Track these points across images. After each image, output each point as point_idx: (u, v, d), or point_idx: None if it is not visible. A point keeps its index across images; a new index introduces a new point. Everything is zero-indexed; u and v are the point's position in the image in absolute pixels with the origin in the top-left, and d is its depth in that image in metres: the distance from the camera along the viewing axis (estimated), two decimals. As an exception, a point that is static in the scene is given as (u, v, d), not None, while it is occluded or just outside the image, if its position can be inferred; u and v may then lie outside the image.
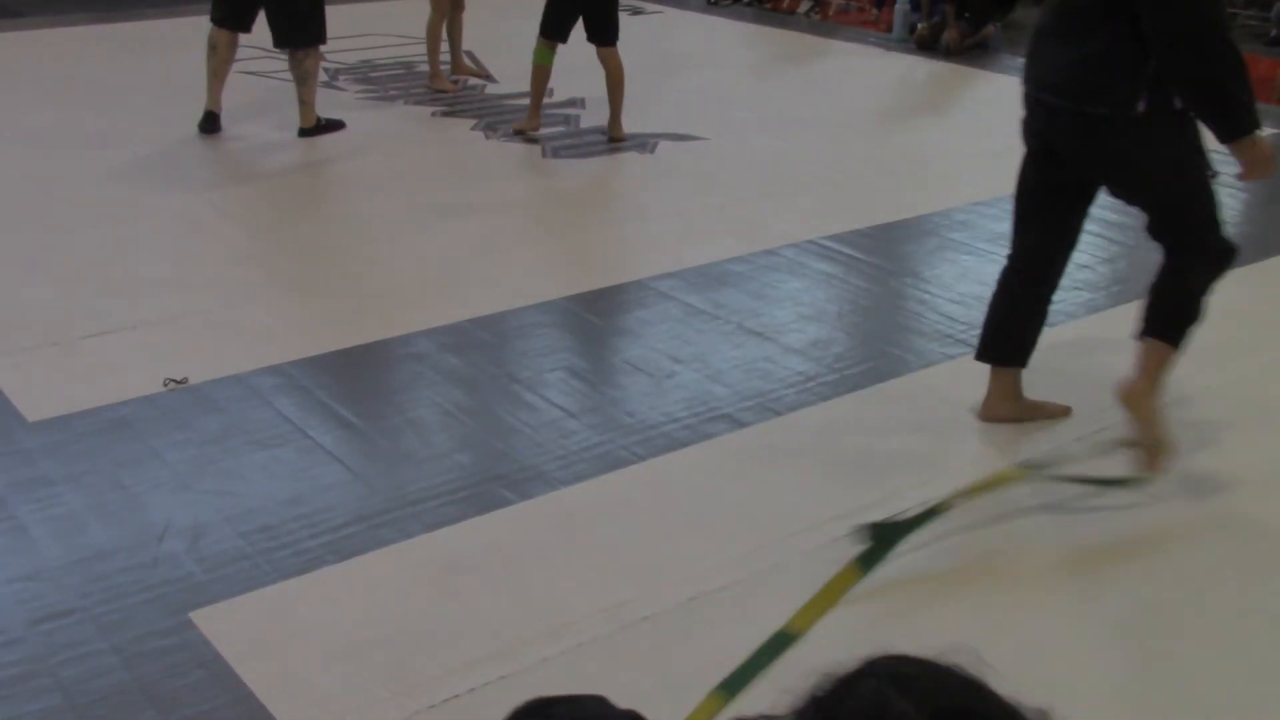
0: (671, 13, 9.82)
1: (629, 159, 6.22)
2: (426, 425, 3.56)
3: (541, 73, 6.26)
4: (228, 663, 2.58)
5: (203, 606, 2.75)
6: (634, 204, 5.60)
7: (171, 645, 2.63)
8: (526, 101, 6.51)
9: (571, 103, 7.03)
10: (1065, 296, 4.54)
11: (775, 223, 5.28)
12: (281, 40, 6.18)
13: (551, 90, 7.15)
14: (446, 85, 7.33)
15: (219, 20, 6.16)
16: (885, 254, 5.01)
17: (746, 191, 5.74)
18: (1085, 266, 4.85)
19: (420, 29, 7.54)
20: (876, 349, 4.12)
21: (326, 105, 6.52)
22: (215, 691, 2.50)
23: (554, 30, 6.12)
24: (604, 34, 6.13)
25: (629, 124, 6.50)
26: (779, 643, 2.50)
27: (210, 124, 6.24)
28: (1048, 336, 4.22)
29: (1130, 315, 4.44)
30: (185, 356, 3.91)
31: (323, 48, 6.30)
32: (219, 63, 6.18)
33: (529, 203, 5.68)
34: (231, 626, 2.70)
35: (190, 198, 5.46)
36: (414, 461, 3.36)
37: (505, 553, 2.99)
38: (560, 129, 6.64)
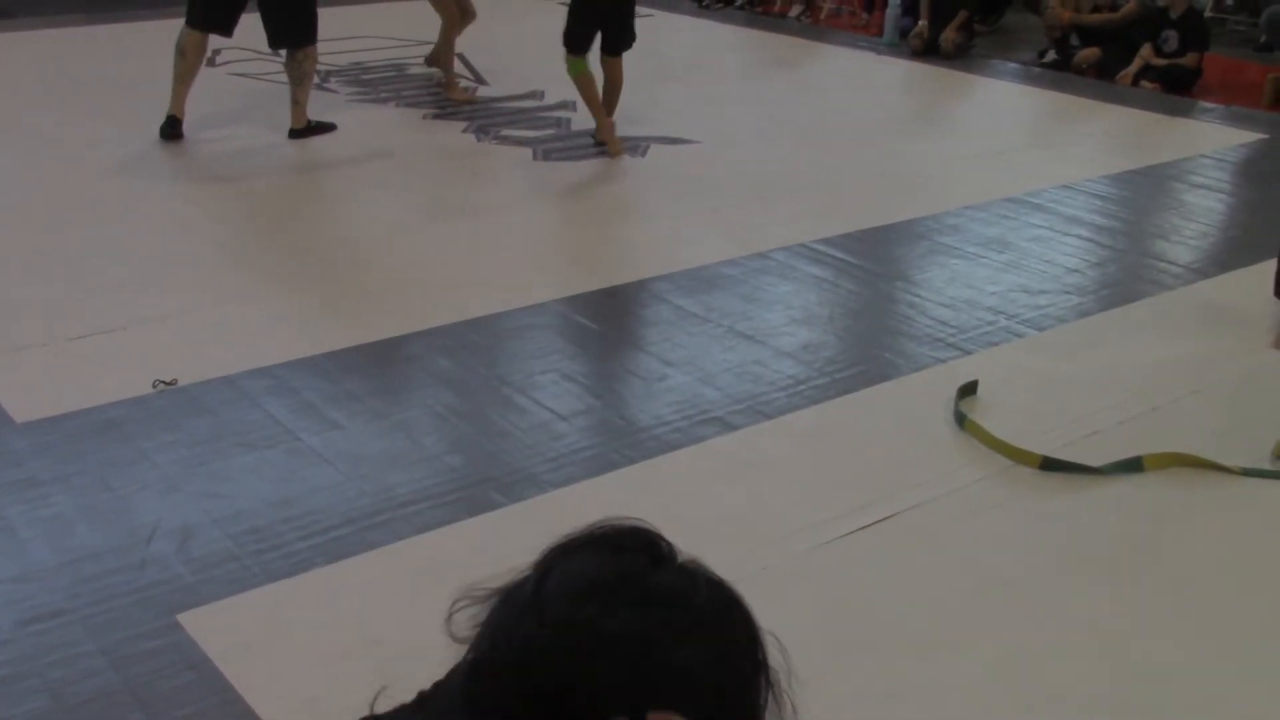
0: (662, 16, 9.83)
1: (620, 162, 6.22)
2: (417, 427, 3.56)
3: (585, 80, 6.25)
4: (216, 665, 2.57)
5: (191, 608, 2.75)
6: (625, 207, 5.61)
7: (160, 647, 2.63)
8: (518, 105, 6.50)
9: (563, 105, 7.03)
10: (1054, 300, 4.55)
11: (767, 226, 5.29)
12: (279, 41, 6.15)
13: (542, 93, 7.16)
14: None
15: (194, 23, 6.06)
16: (876, 258, 5.02)
17: (738, 194, 5.74)
18: (1074, 270, 4.87)
19: (411, 32, 7.54)
20: (867, 352, 4.13)
21: (318, 107, 6.52)
22: (203, 693, 2.50)
23: (580, 44, 6.16)
24: (620, 44, 6.24)
25: (621, 126, 6.50)
26: None
27: (172, 128, 6.15)
28: (1035, 341, 4.25)
29: (1118, 320, 4.50)
30: (175, 358, 3.90)
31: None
32: (186, 68, 6.10)
33: (520, 205, 5.67)
34: (220, 628, 2.69)
35: (180, 198, 5.45)
36: (404, 464, 3.36)
37: (495, 555, 2.96)
38: (551, 132, 6.65)
